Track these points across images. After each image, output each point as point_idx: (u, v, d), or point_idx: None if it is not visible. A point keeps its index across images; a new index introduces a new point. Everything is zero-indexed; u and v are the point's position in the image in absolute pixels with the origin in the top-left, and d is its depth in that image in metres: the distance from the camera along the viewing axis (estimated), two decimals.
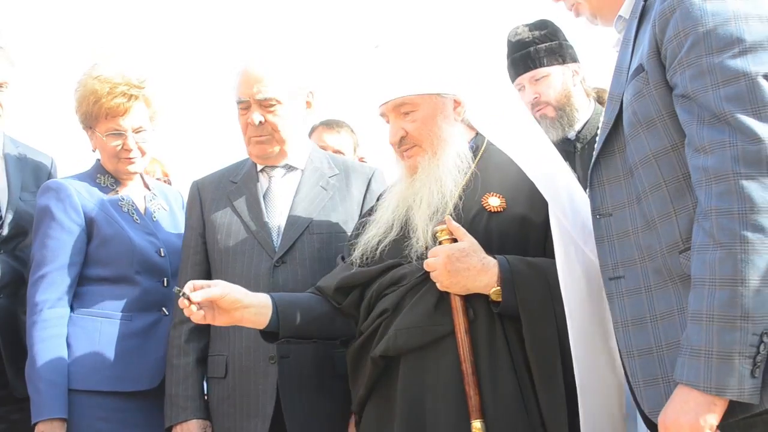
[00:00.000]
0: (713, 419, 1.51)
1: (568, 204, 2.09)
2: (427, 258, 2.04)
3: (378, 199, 2.40)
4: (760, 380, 1.49)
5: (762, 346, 1.47)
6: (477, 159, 2.21)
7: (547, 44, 3.07)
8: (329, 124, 3.90)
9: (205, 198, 2.64)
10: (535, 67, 3.07)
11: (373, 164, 3.42)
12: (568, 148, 3.10)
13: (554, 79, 3.07)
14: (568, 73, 3.09)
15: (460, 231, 2.05)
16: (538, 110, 3.09)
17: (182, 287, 2.09)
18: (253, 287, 2.36)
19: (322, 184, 2.64)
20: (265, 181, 2.65)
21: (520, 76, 3.10)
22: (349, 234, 2.46)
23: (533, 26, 3.13)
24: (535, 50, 3.06)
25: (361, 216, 2.47)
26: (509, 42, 3.15)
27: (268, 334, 2.22)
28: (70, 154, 2.81)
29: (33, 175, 2.88)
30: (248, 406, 2.43)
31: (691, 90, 1.58)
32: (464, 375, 1.98)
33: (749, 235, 1.48)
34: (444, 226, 2.06)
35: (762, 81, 1.52)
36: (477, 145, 2.24)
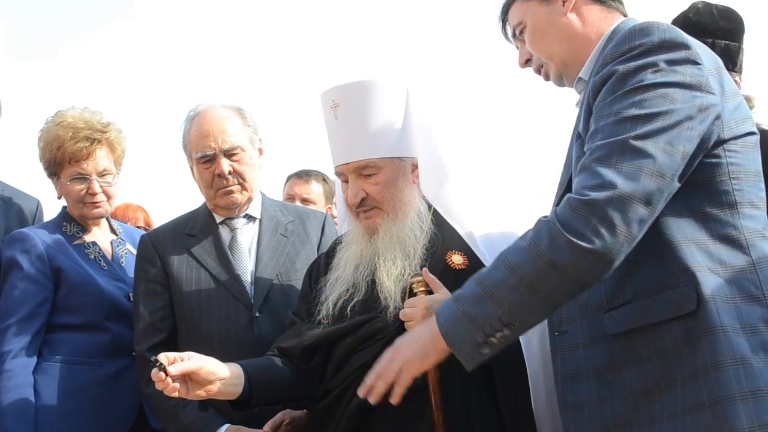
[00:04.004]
0: None
1: None
2: (399, 314, 2.04)
3: (330, 254, 2.37)
4: None
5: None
6: (430, 216, 2.22)
7: (725, 42, 2.52)
8: (299, 174, 4.03)
9: (163, 252, 2.56)
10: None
11: None
12: None
13: None
14: None
15: (436, 283, 2.05)
16: None
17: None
18: (234, 340, 2.36)
19: (281, 231, 2.64)
20: (226, 233, 2.62)
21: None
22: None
23: (721, 14, 2.55)
24: (713, 43, 2.43)
25: (318, 262, 2.44)
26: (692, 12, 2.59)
27: (237, 402, 2.14)
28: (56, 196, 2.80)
29: (17, 218, 2.88)
30: None
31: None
32: (435, 423, 1.99)
33: None
34: (420, 278, 2.07)
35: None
36: (428, 203, 2.25)
